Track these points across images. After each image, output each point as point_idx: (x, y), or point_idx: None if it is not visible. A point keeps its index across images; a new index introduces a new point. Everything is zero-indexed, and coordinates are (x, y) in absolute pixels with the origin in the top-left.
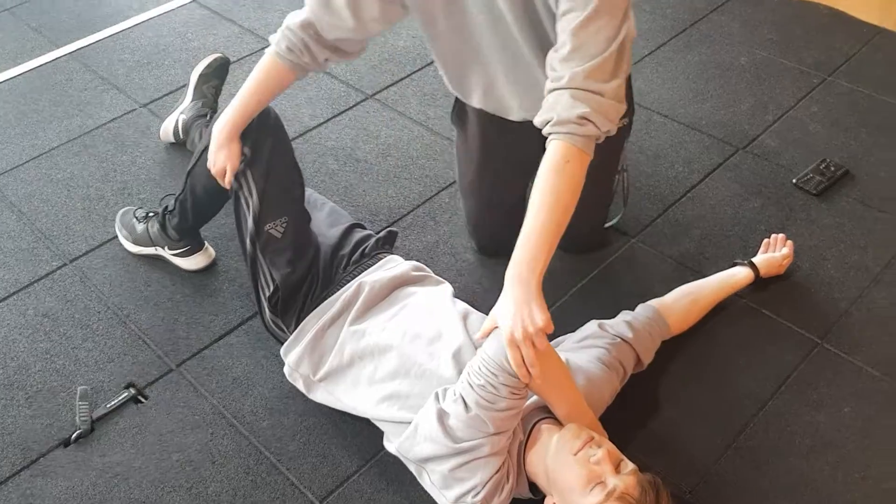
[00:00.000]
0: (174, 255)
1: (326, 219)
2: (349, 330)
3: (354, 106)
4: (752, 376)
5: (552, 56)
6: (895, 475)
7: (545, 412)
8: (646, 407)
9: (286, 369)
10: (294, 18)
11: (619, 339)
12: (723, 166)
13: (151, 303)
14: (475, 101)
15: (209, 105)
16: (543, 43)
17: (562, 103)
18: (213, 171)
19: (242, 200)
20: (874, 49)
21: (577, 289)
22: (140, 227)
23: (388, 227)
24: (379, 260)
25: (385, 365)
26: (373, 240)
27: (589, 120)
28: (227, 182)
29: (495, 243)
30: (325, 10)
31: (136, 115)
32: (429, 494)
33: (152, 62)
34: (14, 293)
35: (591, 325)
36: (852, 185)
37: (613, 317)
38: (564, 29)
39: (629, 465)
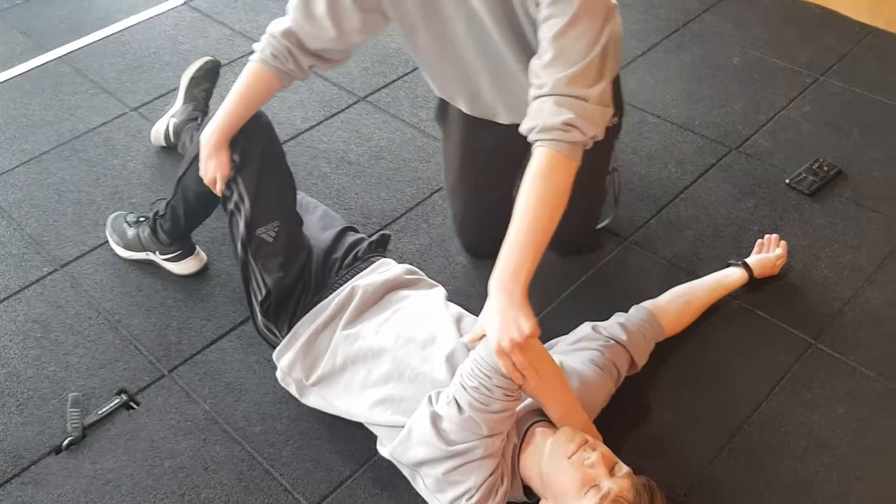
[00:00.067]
0: (165, 259)
1: (319, 222)
2: (342, 334)
3: (346, 108)
4: (747, 377)
5: (535, 63)
6: (890, 476)
7: (539, 415)
8: (640, 409)
9: (279, 374)
10: (277, 26)
11: (612, 342)
12: (716, 167)
13: (143, 308)
14: (462, 107)
15: (200, 108)
16: (526, 50)
17: (546, 110)
18: (205, 181)
19: (234, 206)
20: (866, 48)
21: (571, 291)
22: (131, 231)
23: (381, 230)
24: (372, 263)
25: (378, 369)
26: (365, 243)
27: (574, 126)
28: (218, 190)
29: (481, 244)
30: (307, 20)
31: (127, 118)
32: (423, 499)
33: (143, 65)
34: (4, 299)
35: (585, 328)
36: (845, 185)
37: (607, 318)
38: (545, 36)
39: (623, 468)
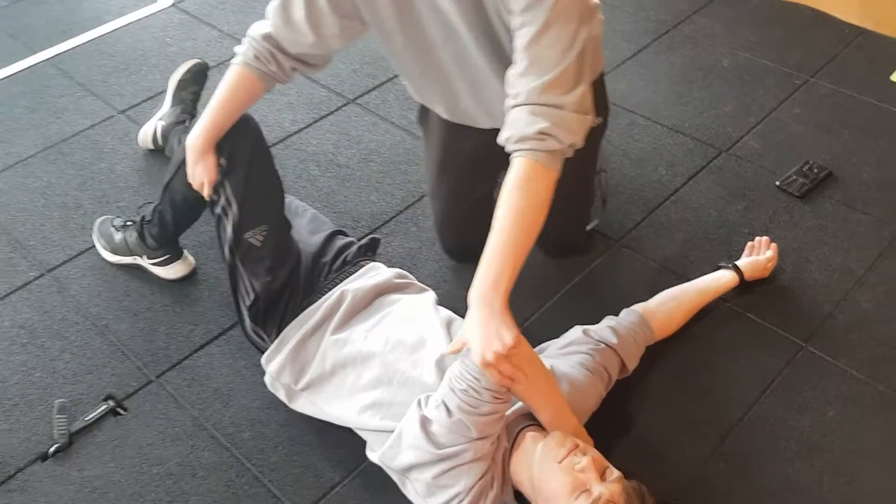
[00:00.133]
0: (153, 264)
1: (308, 226)
2: (331, 339)
3: (336, 111)
4: (737, 380)
5: (510, 72)
6: (881, 479)
7: (530, 419)
8: (631, 413)
9: (267, 379)
10: (258, 30)
11: (603, 345)
12: (706, 169)
13: (130, 313)
14: (442, 113)
15: (188, 111)
16: (503, 58)
17: (521, 119)
18: (193, 186)
19: (221, 210)
20: (856, 49)
21: (561, 294)
22: (118, 236)
23: (371, 233)
24: (361, 267)
25: (368, 373)
26: (355, 247)
27: (549, 134)
28: (206, 195)
29: (462, 247)
30: (286, 25)
31: (115, 121)
32: None
33: (130, 68)
34: None
35: (575, 331)
36: (835, 187)
37: (597, 322)
38: (518, 45)
39: (614, 473)
